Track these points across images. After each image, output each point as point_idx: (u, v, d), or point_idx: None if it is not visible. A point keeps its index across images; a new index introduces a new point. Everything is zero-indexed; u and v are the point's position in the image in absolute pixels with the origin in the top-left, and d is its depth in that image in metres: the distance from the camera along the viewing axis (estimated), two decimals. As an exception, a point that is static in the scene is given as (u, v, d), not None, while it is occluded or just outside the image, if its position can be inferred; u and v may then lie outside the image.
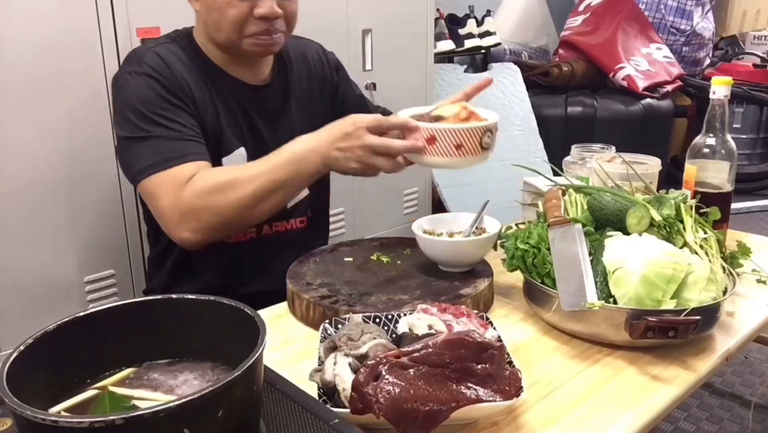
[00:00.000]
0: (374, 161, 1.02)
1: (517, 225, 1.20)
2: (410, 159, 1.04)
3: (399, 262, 1.18)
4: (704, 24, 3.85)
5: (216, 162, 1.18)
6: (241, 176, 1.06)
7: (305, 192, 1.30)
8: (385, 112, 1.38)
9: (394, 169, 1.04)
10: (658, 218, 1.04)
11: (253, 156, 1.24)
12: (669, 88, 3.49)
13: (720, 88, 1.21)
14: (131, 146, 1.11)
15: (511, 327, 1.03)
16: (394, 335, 0.89)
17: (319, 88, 1.35)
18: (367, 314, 0.92)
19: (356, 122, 1.02)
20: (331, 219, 1.51)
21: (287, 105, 1.29)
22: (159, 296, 0.71)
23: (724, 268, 1.02)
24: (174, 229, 1.08)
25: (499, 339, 0.85)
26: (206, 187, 1.05)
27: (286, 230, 1.30)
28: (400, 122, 1.02)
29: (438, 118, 1.05)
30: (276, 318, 1.07)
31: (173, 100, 1.12)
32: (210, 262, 1.24)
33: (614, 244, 0.98)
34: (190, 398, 0.53)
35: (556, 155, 1.65)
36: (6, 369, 0.57)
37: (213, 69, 1.20)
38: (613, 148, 1.46)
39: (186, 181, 1.06)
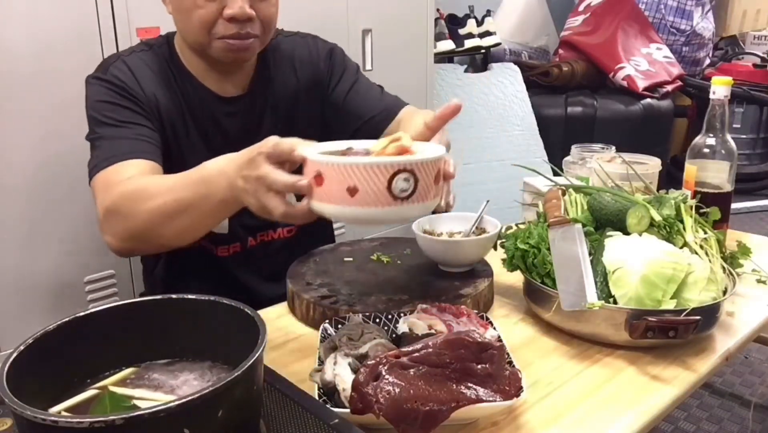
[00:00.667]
0: (266, 200, 0.81)
1: (517, 225, 1.20)
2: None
3: (399, 262, 1.18)
4: (704, 24, 3.85)
5: None
6: (151, 187, 0.95)
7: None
8: (390, 107, 1.26)
9: (286, 216, 0.81)
10: (658, 218, 1.04)
11: None
12: (669, 88, 3.49)
13: (720, 88, 1.21)
14: (91, 149, 1.09)
15: (511, 327, 1.03)
16: (394, 335, 0.89)
17: (307, 87, 1.26)
18: (367, 314, 0.92)
19: (260, 147, 0.82)
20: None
21: (266, 116, 1.23)
22: (159, 296, 0.71)
23: (724, 268, 1.02)
24: (101, 232, 1.01)
25: (499, 339, 0.85)
26: (124, 191, 0.96)
27: (273, 239, 1.27)
28: (287, 149, 0.79)
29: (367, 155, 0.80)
30: (276, 318, 1.07)
31: (128, 105, 1.08)
32: (200, 274, 1.23)
33: (614, 244, 0.98)
34: (190, 398, 0.53)
35: (556, 155, 1.65)
36: (6, 369, 0.57)
37: (187, 79, 1.16)
38: (613, 148, 1.46)
39: (117, 179, 0.99)
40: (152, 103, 1.11)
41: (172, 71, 1.16)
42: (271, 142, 0.81)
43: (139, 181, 0.98)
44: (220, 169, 0.88)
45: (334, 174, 0.73)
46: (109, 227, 0.99)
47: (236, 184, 0.84)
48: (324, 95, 1.28)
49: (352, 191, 0.73)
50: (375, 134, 1.23)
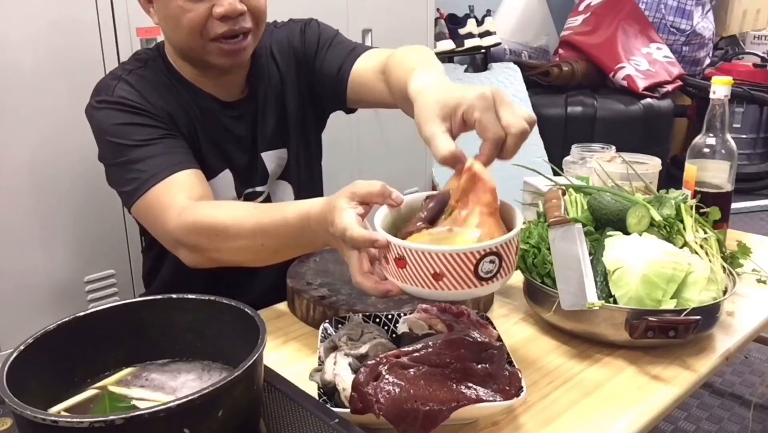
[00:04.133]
0: (356, 281, 0.80)
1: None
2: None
3: (399, 262, 1.17)
4: (704, 24, 3.85)
5: None
6: (231, 227, 0.94)
7: (284, 153, 1.27)
8: (355, 51, 1.20)
9: (376, 293, 0.79)
10: (658, 217, 1.04)
11: (239, 178, 1.19)
12: (669, 87, 3.48)
13: (720, 87, 1.21)
14: (115, 172, 1.07)
15: (511, 327, 1.03)
16: (394, 335, 0.88)
17: (289, 72, 1.24)
18: (367, 314, 0.92)
19: (333, 228, 0.79)
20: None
21: (262, 114, 1.21)
22: (159, 296, 0.71)
23: (724, 268, 1.02)
24: (174, 251, 1.02)
25: (499, 339, 0.85)
26: (198, 225, 0.95)
27: None
28: (365, 239, 0.75)
29: (442, 204, 0.77)
30: (276, 318, 1.07)
31: (148, 123, 1.06)
32: (202, 279, 1.21)
33: (614, 244, 0.98)
34: (190, 398, 0.53)
35: (556, 155, 1.65)
36: (6, 369, 0.57)
37: (188, 88, 1.14)
38: (613, 148, 1.46)
39: (177, 203, 0.98)
40: (166, 116, 1.09)
41: (172, 83, 1.13)
42: (340, 228, 0.77)
43: (211, 212, 0.96)
44: (311, 230, 0.86)
45: (419, 259, 0.71)
46: (185, 255, 1.00)
47: (331, 243, 0.84)
48: (310, 71, 1.25)
49: (438, 277, 0.71)
50: (345, 91, 1.20)
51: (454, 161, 0.76)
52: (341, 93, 1.21)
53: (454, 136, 0.77)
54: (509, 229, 0.76)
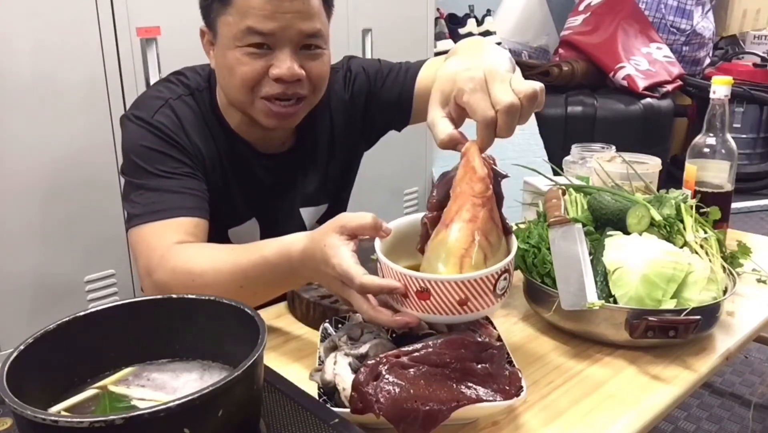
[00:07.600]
0: (359, 304, 0.79)
1: (517, 225, 1.20)
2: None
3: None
4: (704, 23, 3.85)
5: (222, 232, 1.10)
6: (208, 273, 0.91)
7: (324, 208, 1.26)
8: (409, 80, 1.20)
9: (396, 326, 0.79)
10: (658, 217, 1.04)
11: (266, 228, 1.18)
12: (669, 87, 3.49)
13: (720, 87, 1.21)
14: (128, 190, 1.05)
15: (511, 327, 1.03)
16: (394, 335, 0.88)
17: (341, 129, 1.22)
18: (367, 314, 0.92)
19: (328, 266, 0.80)
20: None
21: (302, 169, 1.19)
22: (159, 296, 0.71)
23: (724, 267, 1.02)
24: (147, 293, 0.98)
25: (499, 339, 0.85)
26: (179, 269, 0.92)
27: None
28: (380, 287, 0.76)
29: (448, 186, 0.77)
30: (276, 318, 1.07)
31: (176, 155, 1.05)
32: None
33: (614, 244, 0.98)
34: (190, 398, 0.53)
35: (556, 155, 1.65)
36: (6, 369, 0.57)
37: (228, 133, 1.12)
38: (613, 147, 1.46)
39: (164, 246, 0.95)
40: (197, 153, 1.08)
41: (212, 122, 1.11)
42: (342, 271, 0.78)
43: (188, 257, 0.93)
44: (293, 268, 0.86)
45: (445, 289, 0.72)
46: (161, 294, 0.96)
47: (316, 280, 0.86)
48: (368, 112, 1.23)
49: (463, 302, 0.72)
50: (410, 111, 1.21)
51: (453, 144, 0.76)
52: (405, 115, 1.22)
53: (456, 122, 0.77)
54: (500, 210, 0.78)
